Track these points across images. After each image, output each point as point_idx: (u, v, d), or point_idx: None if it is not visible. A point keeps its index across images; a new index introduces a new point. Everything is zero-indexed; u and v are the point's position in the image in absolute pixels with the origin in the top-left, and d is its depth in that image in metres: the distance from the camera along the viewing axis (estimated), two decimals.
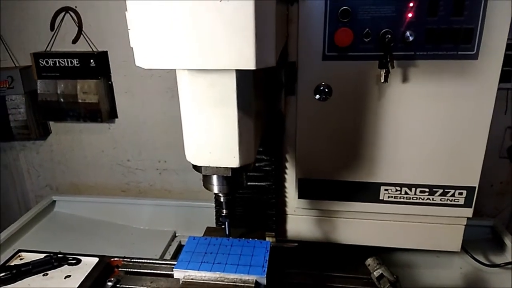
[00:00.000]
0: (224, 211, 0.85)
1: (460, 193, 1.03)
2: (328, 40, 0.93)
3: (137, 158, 1.77)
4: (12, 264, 1.00)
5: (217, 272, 0.78)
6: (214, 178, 0.79)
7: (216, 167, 0.75)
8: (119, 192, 1.82)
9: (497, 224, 1.38)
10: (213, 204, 1.13)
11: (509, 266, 1.24)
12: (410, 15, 0.89)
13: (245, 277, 0.77)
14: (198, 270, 0.79)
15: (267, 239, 1.15)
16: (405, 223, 1.10)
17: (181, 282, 0.78)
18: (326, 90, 0.98)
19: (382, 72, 0.90)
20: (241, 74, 0.66)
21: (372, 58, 0.92)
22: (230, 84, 0.66)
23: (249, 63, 0.57)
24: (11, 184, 1.94)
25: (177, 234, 1.50)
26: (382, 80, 0.90)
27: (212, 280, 0.77)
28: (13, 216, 1.74)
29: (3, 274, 0.95)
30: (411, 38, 0.89)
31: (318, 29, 0.93)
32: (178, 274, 0.79)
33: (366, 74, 0.95)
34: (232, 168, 0.74)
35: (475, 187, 1.02)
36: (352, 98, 0.98)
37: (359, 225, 1.13)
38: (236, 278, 0.77)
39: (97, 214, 1.61)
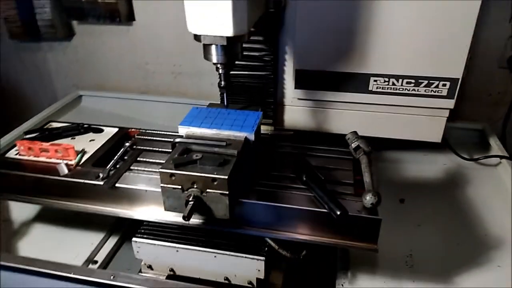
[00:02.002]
0: (223, 82, 0.97)
1: (444, 84, 1.11)
2: None
3: (155, 61, 1.88)
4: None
5: (214, 129, 0.92)
6: (213, 48, 0.90)
7: (213, 36, 0.85)
8: (139, 93, 1.97)
9: (485, 128, 1.46)
10: None
11: (487, 160, 1.34)
12: None
13: (237, 133, 0.91)
14: (199, 127, 0.93)
15: (265, 127, 1.29)
16: (391, 114, 1.20)
17: (184, 135, 0.93)
18: None
19: None
20: None
21: None
22: None
23: None
24: (41, 83, 2.13)
25: None
26: None
27: (209, 135, 0.92)
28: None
29: (37, 134, 1.13)
30: None
31: None
32: (182, 130, 0.94)
33: None
34: (227, 37, 0.85)
35: (458, 79, 1.09)
36: None
37: (350, 116, 1.23)
38: (230, 134, 0.91)
39: (119, 110, 1.78)
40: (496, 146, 1.38)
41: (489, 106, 1.58)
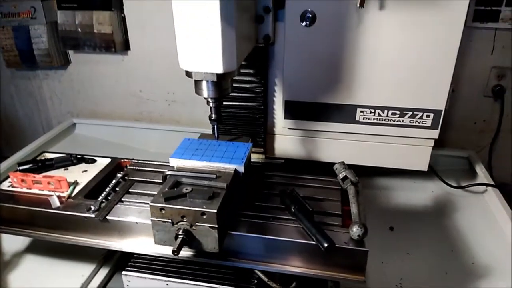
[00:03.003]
0: (213, 115, 1.00)
1: (428, 116, 1.14)
2: None
3: (149, 89, 1.92)
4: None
5: (205, 161, 0.94)
6: (204, 84, 0.93)
7: (204, 73, 0.88)
8: (133, 120, 2.00)
9: (471, 155, 1.50)
10: None
11: (474, 187, 1.37)
12: None
13: (227, 165, 0.93)
14: (190, 159, 0.95)
15: (256, 156, 1.32)
16: (378, 143, 1.23)
17: (175, 168, 0.95)
18: (311, 16, 1.08)
19: None
20: None
21: None
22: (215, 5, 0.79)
23: None
24: (36, 111, 2.15)
25: None
26: (358, 5, 1.00)
27: (200, 167, 0.94)
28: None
29: (30, 165, 1.14)
30: None
31: None
32: (173, 162, 0.96)
33: (347, 2, 1.04)
34: (217, 74, 0.88)
35: (441, 110, 1.13)
36: (334, 24, 1.08)
37: (337, 145, 1.26)
38: (220, 166, 0.94)
39: (112, 137, 1.80)
40: (482, 174, 1.41)
41: (475, 133, 1.63)
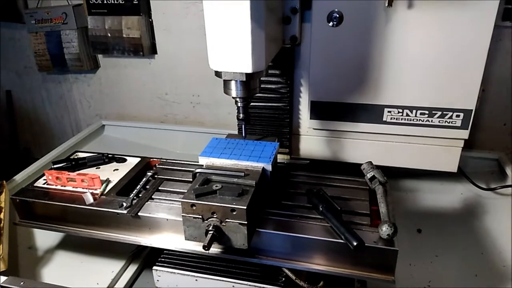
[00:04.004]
0: (241, 115, 1.02)
1: (458, 116, 1.13)
2: None
3: (174, 92, 1.96)
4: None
5: (233, 160, 0.96)
6: (232, 84, 0.94)
7: (233, 73, 0.90)
8: (159, 122, 2.04)
9: (501, 156, 1.46)
10: None
11: (504, 189, 1.34)
12: None
13: (255, 164, 0.95)
14: (218, 157, 0.97)
15: (282, 156, 1.32)
16: (406, 144, 1.22)
17: (204, 166, 0.97)
18: (338, 16, 1.09)
19: None
20: None
21: None
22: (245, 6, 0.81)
23: None
24: (65, 113, 2.23)
25: None
26: (386, 4, 1.00)
27: (228, 166, 0.95)
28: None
29: (64, 164, 1.18)
30: None
31: None
32: (202, 160, 0.98)
33: (375, 1, 1.04)
34: (246, 74, 0.90)
35: (471, 110, 1.11)
36: (361, 24, 1.08)
37: (364, 145, 1.26)
38: (248, 165, 0.95)
39: (139, 139, 1.85)
40: None
41: (505, 135, 1.59)
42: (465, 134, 1.15)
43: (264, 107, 1.27)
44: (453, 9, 1.01)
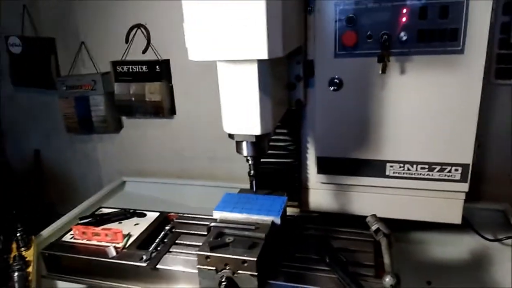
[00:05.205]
0: (252, 171, 1.11)
1: (456, 169, 1.19)
2: (338, 41, 1.17)
3: (191, 149, 2.08)
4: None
5: (245, 214, 1.04)
6: (244, 144, 1.05)
7: (244, 134, 1.01)
8: (176, 177, 2.15)
9: (507, 208, 1.49)
10: None
11: (510, 240, 1.36)
12: (404, 19, 1.10)
13: (265, 217, 1.02)
14: (231, 212, 1.05)
15: (291, 209, 1.39)
16: (410, 196, 1.28)
17: (218, 220, 1.05)
18: (338, 82, 1.21)
19: (380, 65, 1.12)
20: (261, 65, 0.92)
21: (374, 55, 1.13)
22: (253, 72, 0.93)
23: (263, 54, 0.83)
24: (88, 171, 2.36)
25: None
26: (380, 72, 1.12)
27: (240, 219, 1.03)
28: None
29: (90, 219, 1.28)
30: (404, 38, 1.10)
31: (330, 33, 1.17)
32: (216, 214, 1.07)
33: (370, 68, 1.16)
34: (255, 136, 1.00)
35: (469, 164, 1.18)
36: (359, 88, 1.19)
37: (370, 198, 1.32)
38: (258, 218, 1.03)
39: (158, 193, 1.94)
40: None
41: (510, 186, 1.62)
42: (465, 187, 1.20)
43: (274, 163, 1.36)
44: (441, 70, 1.11)
